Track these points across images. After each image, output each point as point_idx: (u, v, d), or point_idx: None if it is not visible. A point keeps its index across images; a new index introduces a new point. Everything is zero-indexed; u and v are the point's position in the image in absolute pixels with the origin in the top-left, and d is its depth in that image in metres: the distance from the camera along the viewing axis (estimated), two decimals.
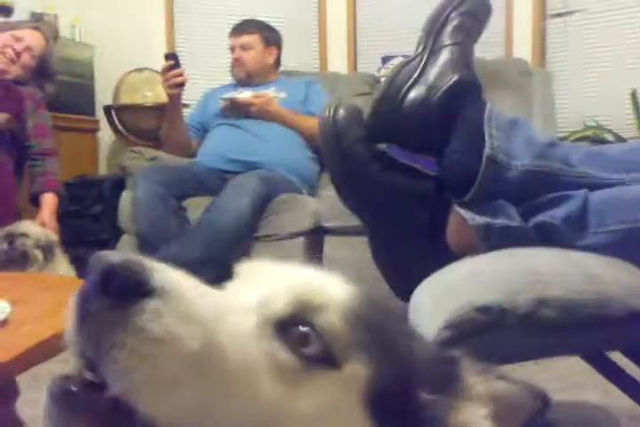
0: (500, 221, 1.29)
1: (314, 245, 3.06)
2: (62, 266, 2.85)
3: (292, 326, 0.53)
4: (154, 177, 2.97)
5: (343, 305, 0.55)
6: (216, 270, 2.75)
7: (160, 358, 0.46)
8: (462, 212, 1.33)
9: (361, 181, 1.50)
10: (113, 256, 0.47)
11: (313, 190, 3.29)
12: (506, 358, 1.10)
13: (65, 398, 0.48)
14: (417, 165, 1.48)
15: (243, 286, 0.59)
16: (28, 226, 2.79)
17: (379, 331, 0.57)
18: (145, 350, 0.46)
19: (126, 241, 3.15)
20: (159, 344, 0.46)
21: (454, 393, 0.59)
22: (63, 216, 3.06)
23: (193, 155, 3.38)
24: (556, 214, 1.25)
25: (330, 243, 3.02)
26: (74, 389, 0.48)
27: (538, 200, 1.30)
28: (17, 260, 2.70)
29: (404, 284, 1.48)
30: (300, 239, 3.02)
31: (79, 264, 2.96)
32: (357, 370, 0.53)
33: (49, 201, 2.96)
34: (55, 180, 3.02)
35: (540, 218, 1.27)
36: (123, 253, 0.50)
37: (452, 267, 1.22)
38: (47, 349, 1.03)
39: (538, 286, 1.02)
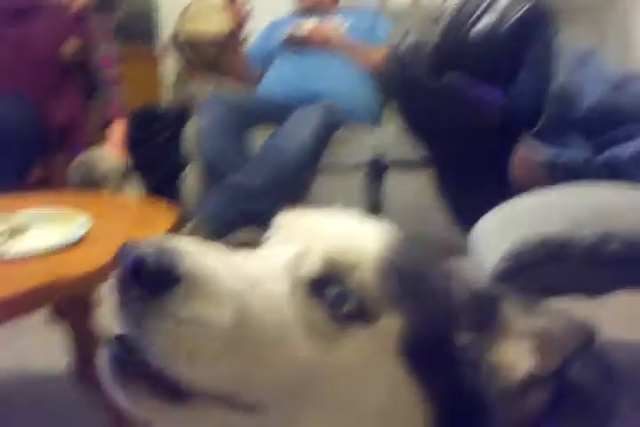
0: (567, 156, 1.27)
1: (374, 177, 3.07)
2: (134, 192, 2.95)
3: (325, 286, 0.54)
4: (217, 107, 3.00)
5: (376, 260, 0.56)
6: (280, 198, 2.81)
7: (195, 339, 0.49)
8: (530, 146, 1.32)
9: (427, 112, 1.50)
10: (143, 247, 0.50)
11: (375, 122, 3.26)
12: (563, 292, 1.11)
13: (119, 364, 0.52)
14: (482, 96, 1.46)
15: (279, 243, 0.61)
16: (99, 153, 2.87)
17: (413, 281, 0.57)
18: (179, 333, 0.49)
19: (192, 170, 3.21)
20: (192, 327, 0.49)
21: (493, 331, 0.59)
22: (129, 145, 3.12)
23: (256, 85, 3.38)
24: (624, 151, 1.23)
25: (390, 176, 3.02)
26: (126, 356, 0.52)
27: (606, 136, 1.28)
28: (90, 187, 2.80)
29: (467, 215, 1.49)
30: (361, 172, 3.02)
31: (148, 190, 3.05)
32: (391, 324, 0.54)
33: (117, 129, 3.02)
34: (121, 109, 3.07)
35: (608, 154, 1.25)
36: (152, 240, 0.51)
37: (518, 199, 1.22)
38: None
39: (604, 220, 1.02)
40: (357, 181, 3.00)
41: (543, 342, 0.59)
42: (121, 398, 0.52)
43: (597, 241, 0.99)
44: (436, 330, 0.57)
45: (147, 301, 0.49)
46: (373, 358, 0.54)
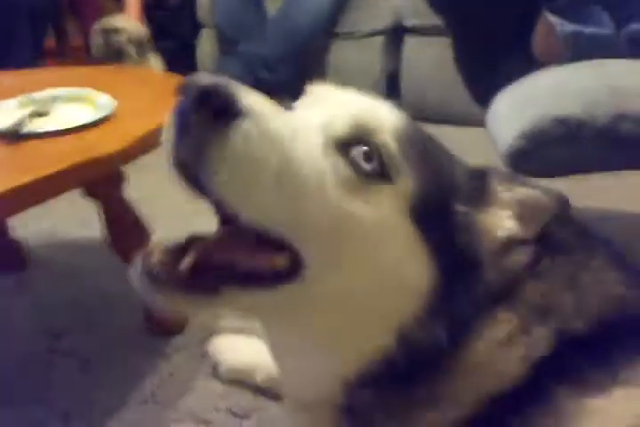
0: (590, 30, 1.25)
1: (393, 44, 2.99)
2: (153, 59, 2.91)
3: (353, 146, 0.62)
4: None
5: (395, 128, 0.64)
6: (296, 66, 2.78)
7: (248, 171, 0.55)
8: (552, 17, 1.29)
9: None
10: (207, 79, 0.54)
11: None
12: (577, 171, 1.15)
13: (153, 270, 0.60)
14: None
15: (310, 108, 0.67)
16: (120, 21, 2.80)
17: (424, 151, 0.66)
18: (237, 165, 0.54)
19: (206, 34, 3.15)
20: (248, 161, 0.55)
21: (483, 201, 0.68)
22: (143, 9, 3.03)
23: None
24: None
25: (409, 42, 2.94)
26: (160, 263, 0.60)
27: (629, 9, 1.24)
28: (112, 55, 2.77)
29: (485, 89, 1.49)
30: (380, 38, 2.94)
31: (164, 57, 3.01)
32: (407, 184, 0.62)
33: None
34: None
35: (631, 29, 1.23)
36: (213, 76, 0.55)
37: (536, 77, 1.22)
38: (149, 142, 1.13)
39: (619, 100, 1.03)
40: (375, 48, 2.94)
41: (523, 210, 0.67)
42: (159, 299, 0.61)
43: (611, 121, 1.01)
44: (440, 197, 0.65)
45: (211, 128, 0.54)
46: (389, 212, 0.62)
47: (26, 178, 0.93)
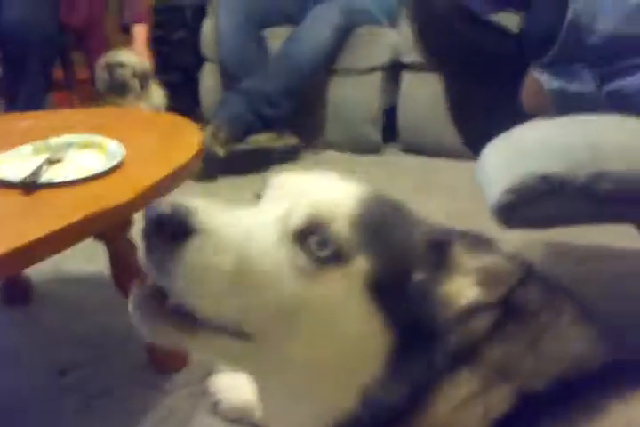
0: (574, 87, 1.32)
1: (391, 80, 3.08)
2: (156, 93, 2.99)
3: (308, 236, 0.69)
4: (236, 5, 2.97)
5: (350, 214, 0.70)
6: (295, 101, 2.86)
7: (205, 280, 0.64)
8: (538, 75, 1.36)
9: (442, 34, 1.52)
10: (163, 206, 0.64)
11: (393, 21, 3.22)
12: (565, 223, 1.21)
13: (143, 303, 0.68)
14: (497, 21, 1.49)
15: (270, 201, 0.75)
16: (124, 55, 2.88)
17: (380, 231, 0.72)
18: (193, 275, 0.63)
19: (209, 69, 3.23)
20: (202, 270, 0.64)
21: (445, 269, 0.72)
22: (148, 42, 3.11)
23: None
24: (633, 82, 1.28)
25: (406, 78, 3.03)
26: (148, 298, 0.67)
27: (617, 66, 1.31)
28: (116, 89, 2.85)
29: (475, 137, 1.56)
30: (378, 74, 3.03)
31: (167, 91, 3.09)
32: (362, 264, 0.69)
33: (141, 32, 2.99)
34: (145, 9, 3.02)
35: (617, 84, 1.30)
36: (172, 199, 0.65)
37: (523, 132, 1.29)
38: (158, 190, 1.19)
39: (599, 160, 1.09)
40: (374, 84, 3.03)
41: (485, 277, 0.72)
42: (144, 331, 0.68)
43: (590, 180, 1.07)
44: (397, 271, 0.71)
45: (167, 248, 0.64)
46: (346, 292, 0.68)
47: (43, 231, 0.99)
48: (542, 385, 0.70)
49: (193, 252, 0.63)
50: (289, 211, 0.71)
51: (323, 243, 0.68)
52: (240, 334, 0.67)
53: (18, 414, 1.29)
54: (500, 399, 0.70)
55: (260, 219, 0.71)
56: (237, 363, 0.77)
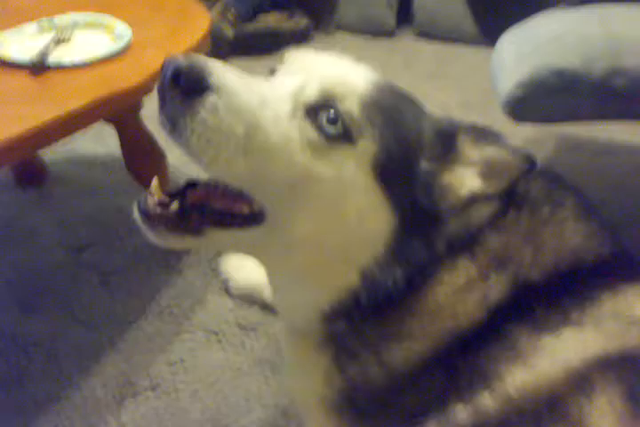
0: None
1: None
2: None
3: (320, 111, 0.70)
4: None
5: (362, 94, 0.72)
6: None
7: (215, 137, 0.65)
8: None
9: None
10: (181, 60, 0.64)
11: None
12: (575, 119, 1.20)
13: (146, 213, 0.72)
14: None
15: (286, 75, 0.76)
16: None
17: (389, 114, 0.73)
18: (206, 133, 0.65)
19: None
20: (216, 130, 0.65)
21: (450, 159, 0.75)
22: None
23: None
24: None
25: None
26: (153, 209, 0.71)
27: None
28: None
29: (491, 23, 1.52)
30: None
31: None
32: (369, 145, 0.71)
33: None
34: None
35: None
36: (189, 56, 0.65)
37: (539, 22, 1.24)
38: None
39: (616, 55, 1.06)
40: None
41: (488, 168, 0.74)
42: (150, 238, 0.73)
43: (605, 76, 1.05)
44: (403, 156, 0.73)
45: (183, 102, 0.64)
46: (352, 170, 0.71)
47: (54, 113, 0.99)
48: (538, 276, 0.74)
49: (207, 108, 0.64)
50: (303, 85, 0.72)
51: (333, 119, 0.70)
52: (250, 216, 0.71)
53: (38, 289, 1.36)
54: (497, 287, 0.74)
55: (275, 90, 0.72)
56: (246, 250, 0.81)
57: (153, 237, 0.72)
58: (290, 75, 0.75)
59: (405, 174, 0.73)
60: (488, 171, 0.74)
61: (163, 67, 0.64)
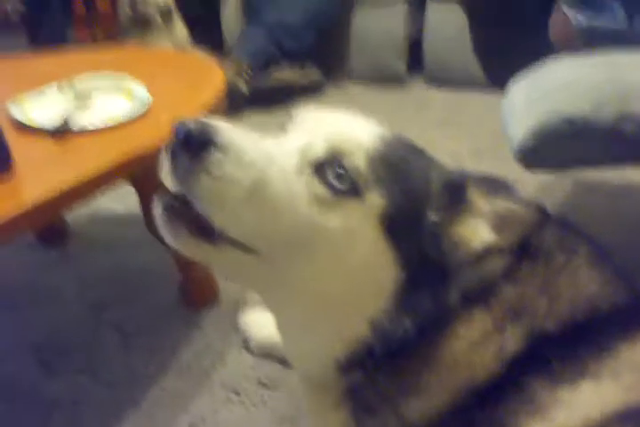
0: (603, 23, 1.29)
1: (416, 10, 3.00)
2: (179, 29, 2.95)
3: (326, 167, 0.72)
4: None
5: (368, 149, 0.74)
6: (318, 33, 2.80)
7: (223, 192, 0.68)
8: (567, 10, 1.33)
9: None
10: (191, 122, 0.68)
11: None
12: (587, 164, 1.21)
13: (169, 206, 0.72)
14: None
15: (293, 134, 0.78)
16: None
17: (397, 168, 0.75)
18: (212, 186, 0.67)
19: (231, 2, 3.16)
20: (221, 182, 0.68)
21: (460, 211, 0.75)
22: None
23: None
24: None
25: (433, 8, 2.95)
26: (175, 203, 0.72)
27: None
28: (140, 24, 2.82)
29: (499, 71, 1.55)
30: (403, 4, 2.95)
31: (189, 25, 3.05)
32: (376, 199, 0.72)
33: None
34: None
35: None
36: (198, 118, 0.69)
37: (547, 70, 1.26)
38: None
39: (625, 101, 1.08)
40: (398, 14, 2.95)
41: (500, 222, 0.74)
42: (167, 235, 0.74)
43: (615, 121, 1.06)
44: (411, 209, 0.74)
45: (192, 160, 0.68)
46: (359, 224, 0.72)
47: (76, 177, 1.02)
48: (554, 326, 0.74)
49: (214, 163, 0.67)
50: (310, 142, 0.74)
51: (340, 174, 0.72)
52: (252, 250, 0.71)
53: (59, 349, 1.37)
54: (514, 339, 0.73)
55: (283, 147, 0.74)
56: (250, 282, 0.82)
57: (172, 235, 0.73)
58: (298, 133, 0.78)
59: (413, 226, 0.74)
60: (500, 224, 0.74)
61: (172, 131, 0.68)
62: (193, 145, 0.67)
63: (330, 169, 0.72)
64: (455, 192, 0.76)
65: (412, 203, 0.74)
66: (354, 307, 0.74)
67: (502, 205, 0.75)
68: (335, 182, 0.71)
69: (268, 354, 1.31)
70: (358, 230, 0.72)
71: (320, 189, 0.71)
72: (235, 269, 0.78)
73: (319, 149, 0.73)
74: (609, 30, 1.27)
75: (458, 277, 0.74)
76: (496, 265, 0.75)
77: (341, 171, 0.72)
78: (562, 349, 0.72)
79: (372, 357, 0.75)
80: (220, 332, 1.39)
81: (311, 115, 0.82)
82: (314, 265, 0.72)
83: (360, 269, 0.73)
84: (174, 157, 0.69)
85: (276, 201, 0.70)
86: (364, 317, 0.74)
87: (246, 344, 1.34)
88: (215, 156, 0.67)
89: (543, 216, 0.75)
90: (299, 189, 0.71)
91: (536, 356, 0.72)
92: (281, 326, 0.87)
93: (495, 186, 0.78)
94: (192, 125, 0.68)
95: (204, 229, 0.71)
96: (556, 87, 1.18)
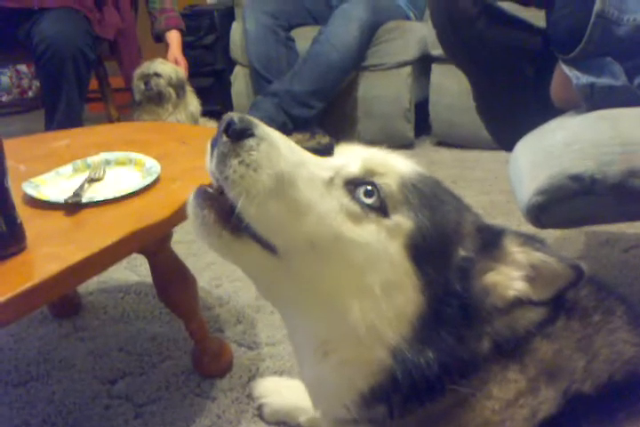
0: (603, 81, 1.31)
1: (421, 73, 3.07)
2: (192, 101, 3.04)
3: (358, 184, 0.74)
4: (262, 8, 2.99)
5: (403, 175, 0.76)
6: (326, 101, 2.88)
7: (251, 179, 0.70)
8: (567, 70, 1.35)
9: (468, 36, 1.52)
10: (235, 115, 0.73)
11: (421, 14, 3.21)
12: (597, 221, 1.21)
13: (202, 193, 0.75)
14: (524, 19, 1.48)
15: (332, 157, 0.82)
16: (159, 65, 2.93)
17: (428, 198, 0.75)
18: (242, 172, 0.70)
19: (240, 72, 3.26)
20: (250, 170, 0.70)
21: (493, 257, 0.74)
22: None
23: None
24: None
25: (437, 71, 3.02)
26: (210, 190, 0.75)
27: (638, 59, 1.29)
28: (153, 98, 2.91)
29: (505, 134, 1.56)
30: (408, 68, 3.03)
31: (200, 95, 3.13)
32: (403, 221, 0.73)
33: (175, 39, 3.01)
34: (176, 16, 3.04)
35: None
36: (242, 115, 0.74)
37: (553, 130, 1.28)
38: None
39: (630, 157, 1.09)
40: (404, 78, 3.02)
41: (536, 274, 0.73)
42: (194, 220, 0.75)
43: (621, 178, 1.07)
44: (439, 239, 0.73)
45: (228, 145, 0.72)
46: (384, 241, 0.72)
47: (88, 251, 1.02)
48: (591, 388, 0.71)
49: (247, 150, 0.71)
50: (346, 161, 0.77)
51: (370, 192, 0.73)
52: (271, 247, 0.72)
53: (71, 424, 1.34)
54: (548, 401, 0.70)
55: (319, 161, 0.77)
56: (265, 286, 0.80)
57: (199, 219, 0.74)
58: (336, 156, 0.82)
59: (440, 257, 0.73)
60: (536, 277, 0.73)
61: (220, 121, 0.74)
62: (232, 132, 0.72)
63: (361, 187, 0.74)
64: (489, 237, 0.76)
65: (441, 234, 0.74)
66: (372, 328, 0.71)
67: (538, 256, 0.73)
68: (364, 199, 0.73)
69: (282, 421, 1.28)
70: (382, 247, 0.72)
71: (348, 202, 0.73)
72: (251, 267, 0.78)
73: (354, 168, 0.76)
74: (609, 87, 1.29)
75: (488, 325, 0.72)
76: (529, 318, 0.73)
77: (372, 188, 0.73)
78: (597, 412, 0.69)
79: (397, 392, 0.72)
80: (233, 402, 1.36)
81: (351, 147, 0.85)
82: (331, 273, 0.72)
83: (379, 286, 0.71)
84: (215, 144, 0.73)
85: (299, 202, 0.71)
86: (383, 341, 0.71)
87: (260, 411, 1.32)
88: (249, 143, 0.71)
89: (579, 275, 0.72)
90: (326, 198, 0.73)
91: (570, 419, 0.69)
92: (299, 351, 0.83)
93: (531, 239, 0.77)
94: (236, 116, 0.73)
95: (230, 222, 0.72)
96: (559, 147, 1.20)
